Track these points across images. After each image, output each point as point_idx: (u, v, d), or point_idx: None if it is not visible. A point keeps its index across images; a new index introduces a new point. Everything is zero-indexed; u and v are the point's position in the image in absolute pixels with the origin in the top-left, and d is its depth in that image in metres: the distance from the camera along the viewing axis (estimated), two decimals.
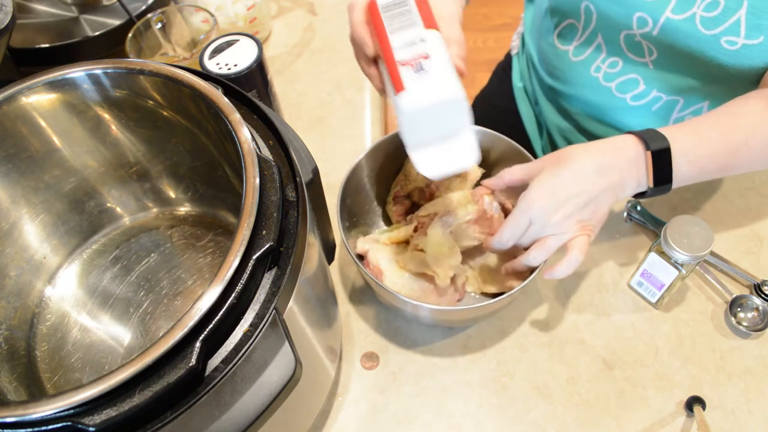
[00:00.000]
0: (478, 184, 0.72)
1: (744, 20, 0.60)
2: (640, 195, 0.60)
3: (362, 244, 0.66)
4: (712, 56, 0.64)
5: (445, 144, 0.51)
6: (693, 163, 0.57)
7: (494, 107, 1.04)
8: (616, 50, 0.73)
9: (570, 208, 0.55)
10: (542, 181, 0.57)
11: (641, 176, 0.57)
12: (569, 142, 0.88)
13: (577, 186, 0.55)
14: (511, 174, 0.61)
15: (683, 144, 0.57)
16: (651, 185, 0.57)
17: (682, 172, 0.57)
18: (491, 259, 0.67)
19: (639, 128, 0.79)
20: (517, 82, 0.99)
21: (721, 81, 0.67)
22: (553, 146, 0.92)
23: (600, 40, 0.74)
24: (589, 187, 0.55)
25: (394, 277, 0.63)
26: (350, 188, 0.67)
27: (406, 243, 0.67)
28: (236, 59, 0.71)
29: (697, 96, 0.72)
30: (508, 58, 1.04)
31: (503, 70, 1.04)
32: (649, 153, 0.56)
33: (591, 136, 0.84)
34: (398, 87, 0.47)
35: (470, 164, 0.51)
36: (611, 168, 0.56)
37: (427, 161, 0.51)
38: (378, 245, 0.66)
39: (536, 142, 0.98)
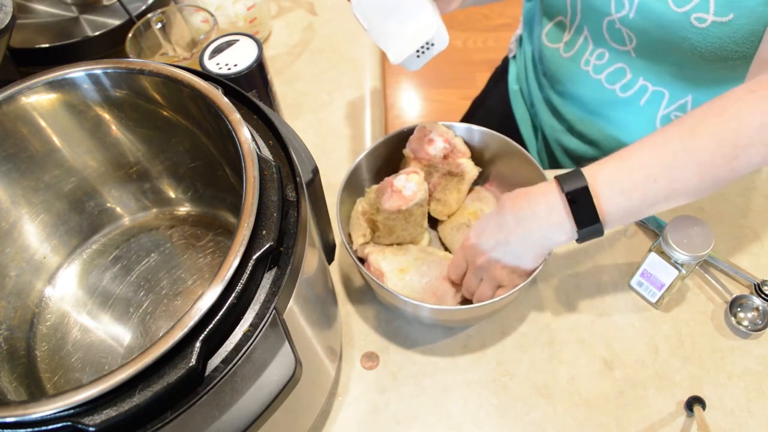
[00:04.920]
0: (476, 183, 0.72)
1: None
2: (580, 240, 0.55)
3: (363, 248, 0.66)
4: (683, 36, 0.64)
5: (405, 25, 0.52)
6: (628, 190, 0.52)
7: (489, 110, 1.05)
8: (600, 41, 0.75)
9: (492, 255, 0.58)
10: (476, 225, 0.60)
11: (563, 221, 0.53)
12: (562, 145, 0.89)
13: (498, 233, 0.57)
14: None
15: (610, 173, 0.52)
16: (576, 228, 0.53)
17: (617, 203, 0.52)
18: None
19: (628, 126, 0.80)
20: (513, 85, 1.00)
21: (697, 67, 0.68)
22: (548, 148, 0.93)
23: (586, 32, 0.75)
24: (507, 236, 0.56)
25: (394, 277, 0.63)
26: (350, 188, 0.67)
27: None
28: (236, 59, 0.71)
29: (679, 87, 0.73)
30: (505, 61, 1.05)
31: (500, 74, 1.05)
32: (563, 195, 0.53)
33: (583, 138, 0.85)
34: None
35: (431, 35, 0.52)
36: (527, 218, 0.55)
37: (393, 47, 0.53)
38: (379, 247, 0.66)
39: (531, 144, 0.99)
